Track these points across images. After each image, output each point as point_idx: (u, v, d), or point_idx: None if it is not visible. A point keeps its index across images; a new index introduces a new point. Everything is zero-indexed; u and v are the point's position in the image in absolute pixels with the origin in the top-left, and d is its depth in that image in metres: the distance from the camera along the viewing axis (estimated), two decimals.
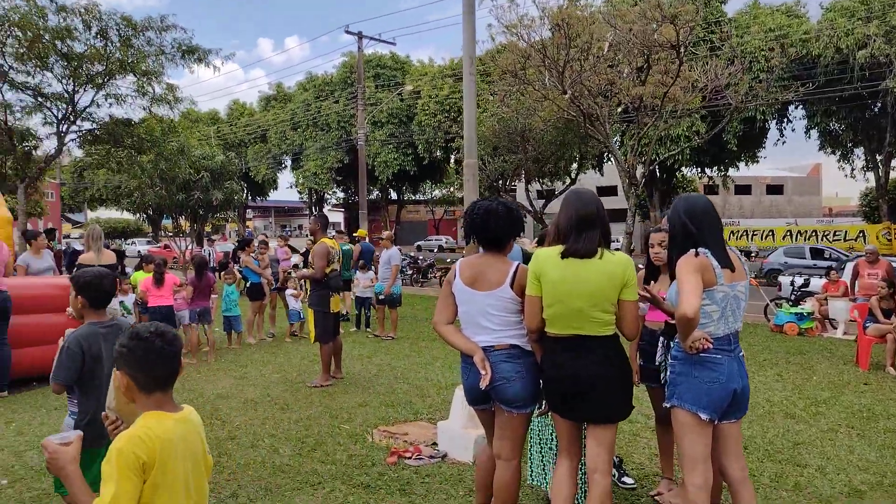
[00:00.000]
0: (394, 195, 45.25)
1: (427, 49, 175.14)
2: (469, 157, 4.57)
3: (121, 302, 8.16)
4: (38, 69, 14.02)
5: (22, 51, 13.36)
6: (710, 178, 33.62)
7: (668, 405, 2.92)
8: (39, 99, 14.38)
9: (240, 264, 9.96)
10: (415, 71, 36.67)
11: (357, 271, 10.85)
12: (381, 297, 9.82)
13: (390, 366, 7.76)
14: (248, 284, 9.67)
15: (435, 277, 19.21)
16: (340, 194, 46.61)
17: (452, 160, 35.37)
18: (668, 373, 2.99)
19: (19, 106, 14.32)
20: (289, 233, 62.67)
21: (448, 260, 21.77)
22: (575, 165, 27.41)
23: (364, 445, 4.85)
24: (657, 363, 3.39)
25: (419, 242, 45.67)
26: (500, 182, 25.92)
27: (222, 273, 9.32)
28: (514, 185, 33.47)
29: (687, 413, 2.81)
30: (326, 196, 45.69)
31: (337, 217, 50.50)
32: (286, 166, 44.03)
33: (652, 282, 3.77)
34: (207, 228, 31.90)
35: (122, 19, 14.23)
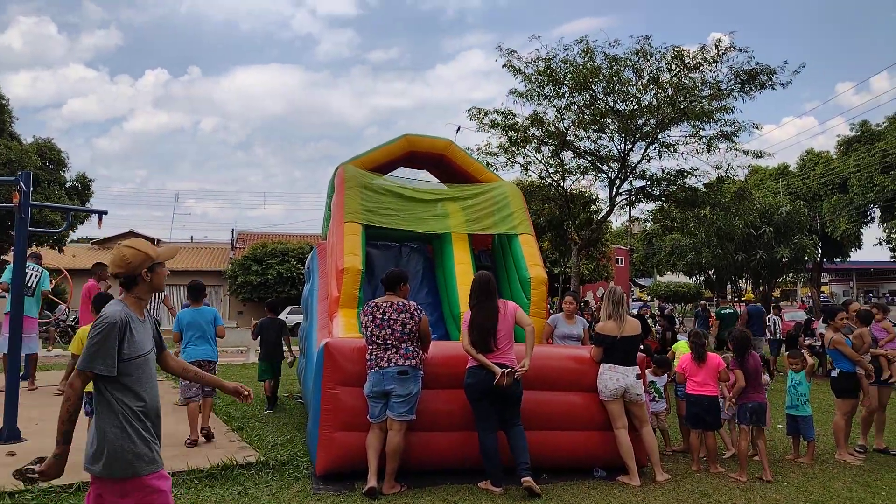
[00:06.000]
0: None
1: None
2: None
3: (651, 382, 6.55)
4: (595, 133, 14.32)
5: (582, 117, 13.82)
6: None
7: None
8: (595, 162, 14.64)
9: (824, 343, 7.07)
10: None
11: None
12: None
13: None
14: (833, 372, 6.71)
15: None
16: None
17: None
18: None
19: (575, 168, 14.90)
20: (874, 299, 51.71)
21: None
22: None
23: None
24: None
25: None
26: None
27: (787, 354, 6.73)
28: None
29: None
30: None
31: None
32: (873, 218, 36.24)
33: None
34: (776, 294, 28.30)
35: (675, 56, 13.15)
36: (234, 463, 5.48)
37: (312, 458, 5.46)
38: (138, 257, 2.76)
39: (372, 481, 4.89)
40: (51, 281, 9.61)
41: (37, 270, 9.03)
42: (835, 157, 38.06)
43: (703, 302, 18.84)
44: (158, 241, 37.20)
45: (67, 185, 22.06)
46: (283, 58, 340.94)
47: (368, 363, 5.14)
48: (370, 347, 5.16)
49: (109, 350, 2.61)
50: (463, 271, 7.72)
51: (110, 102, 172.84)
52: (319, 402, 5.29)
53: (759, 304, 9.21)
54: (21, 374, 7.66)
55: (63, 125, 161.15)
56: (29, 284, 8.79)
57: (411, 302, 5.25)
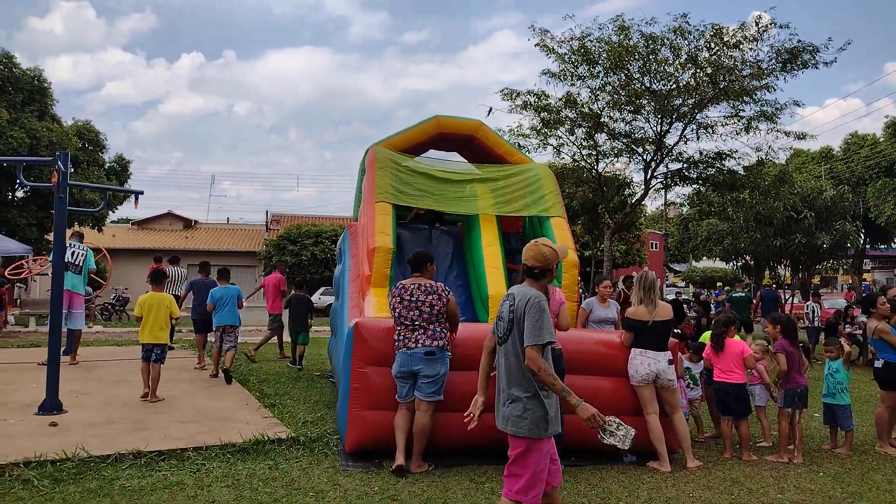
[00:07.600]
0: None
1: None
2: None
3: (686, 369, 6.44)
4: (631, 114, 13.98)
5: (617, 97, 13.50)
6: None
7: None
8: (630, 144, 14.29)
9: (868, 332, 6.76)
10: None
11: None
12: None
13: None
14: (877, 363, 6.43)
15: None
16: None
17: None
18: None
19: (609, 151, 14.57)
20: None
21: None
22: None
23: None
24: None
25: None
26: None
27: (825, 342, 6.54)
28: None
29: None
30: None
31: None
32: None
33: None
34: (815, 280, 27.51)
35: (713, 33, 12.71)
36: (266, 438, 5.58)
37: (342, 436, 5.51)
38: (554, 255, 3.38)
39: (400, 459, 4.92)
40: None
41: (82, 249, 9.27)
42: (882, 139, 36.67)
43: None
44: (196, 221, 37.88)
45: (106, 167, 22.56)
46: (316, 40, 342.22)
47: (396, 344, 5.15)
48: (398, 328, 5.17)
49: (548, 322, 3.18)
50: (491, 253, 7.67)
51: (146, 86, 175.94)
52: (349, 380, 5.33)
53: (773, 289, 9.15)
54: (63, 349, 7.90)
55: (101, 108, 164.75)
56: (76, 262, 9.04)
57: (439, 283, 5.24)
